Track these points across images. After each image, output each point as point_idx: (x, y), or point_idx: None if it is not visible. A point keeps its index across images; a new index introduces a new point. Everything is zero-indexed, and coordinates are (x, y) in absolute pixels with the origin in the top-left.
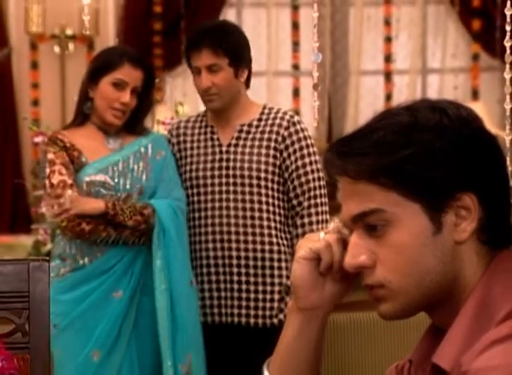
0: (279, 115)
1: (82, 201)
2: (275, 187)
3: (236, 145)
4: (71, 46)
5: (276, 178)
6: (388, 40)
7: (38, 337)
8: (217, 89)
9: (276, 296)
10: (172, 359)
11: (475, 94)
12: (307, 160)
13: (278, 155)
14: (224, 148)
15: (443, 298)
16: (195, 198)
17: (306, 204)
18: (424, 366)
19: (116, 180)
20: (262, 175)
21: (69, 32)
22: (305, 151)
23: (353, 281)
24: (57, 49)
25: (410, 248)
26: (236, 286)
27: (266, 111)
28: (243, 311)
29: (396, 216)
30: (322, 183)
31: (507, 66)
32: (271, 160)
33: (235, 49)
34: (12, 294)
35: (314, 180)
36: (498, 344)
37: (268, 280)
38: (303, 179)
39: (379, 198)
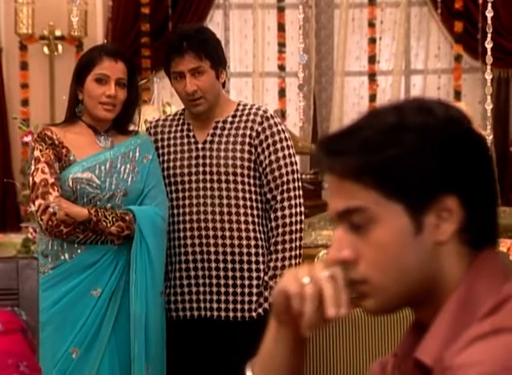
0: (253, 110)
1: (67, 205)
2: (252, 182)
3: (212, 142)
4: (60, 47)
5: (252, 173)
6: (372, 41)
7: None
8: (202, 92)
9: (255, 290)
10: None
11: (457, 95)
12: (280, 154)
13: (253, 150)
14: (200, 145)
15: (425, 295)
16: (173, 195)
17: (279, 197)
18: (408, 361)
19: (102, 179)
20: (238, 171)
21: (57, 33)
22: (278, 146)
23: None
24: (46, 50)
25: (391, 247)
26: (214, 281)
27: (240, 107)
28: (223, 305)
29: (378, 215)
30: (296, 176)
31: (488, 67)
32: (246, 156)
33: (215, 51)
34: (1, 292)
35: (287, 173)
36: (480, 340)
37: (246, 274)
38: (276, 173)
39: (363, 196)
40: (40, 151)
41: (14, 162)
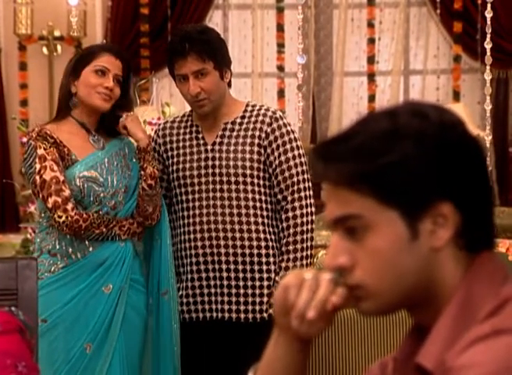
0: (262, 111)
1: (136, 123)
2: (261, 183)
3: (221, 143)
4: (59, 47)
5: (262, 174)
6: (371, 41)
7: None
8: (206, 94)
9: (266, 291)
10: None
11: (456, 95)
12: (290, 155)
13: (262, 151)
14: (209, 147)
15: (422, 299)
16: (183, 197)
17: (290, 198)
18: (408, 365)
19: (105, 177)
20: (248, 172)
21: (56, 33)
22: (288, 146)
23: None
24: (45, 50)
25: (387, 253)
26: (225, 282)
27: (249, 108)
28: (233, 306)
29: (374, 222)
30: (306, 176)
31: (487, 68)
32: (255, 156)
33: (218, 52)
34: (0, 292)
35: (297, 174)
36: (481, 341)
37: (257, 275)
38: (286, 173)
39: (357, 203)
40: (45, 149)
41: (13, 163)
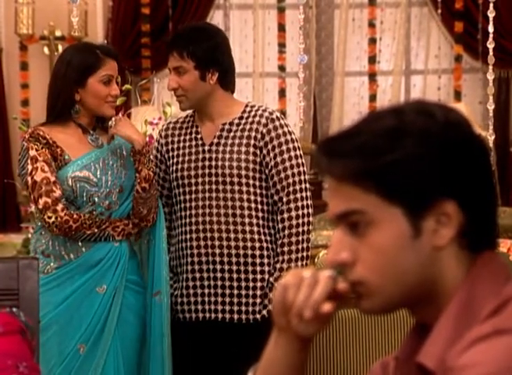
0: (259, 112)
1: (127, 126)
2: (257, 183)
3: (218, 144)
4: (60, 47)
5: (258, 175)
6: (372, 41)
7: None
8: (182, 91)
9: (258, 292)
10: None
11: (458, 95)
12: (285, 156)
13: (258, 152)
14: (206, 147)
15: (424, 298)
16: (181, 197)
17: (285, 199)
18: (410, 365)
19: (99, 177)
20: (243, 172)
21: (58, 33)
22: (284, 148)
23: (320, 325)
24: (46, 50)
25: (389, 250)
26: (219, 282)
27: (248, 109)
28: (227, 307)
29: (377, 218)
30: (303, 177)
31: (490, 68)
32: (251, 157)
33: (203, 53)
34: (1, 292)
35: (293, 175)
36: (482, 341)
37: (251, 276)
38: (282, 175)
39: (361, 199)
40: (36, 150)
41: (14, 163)
